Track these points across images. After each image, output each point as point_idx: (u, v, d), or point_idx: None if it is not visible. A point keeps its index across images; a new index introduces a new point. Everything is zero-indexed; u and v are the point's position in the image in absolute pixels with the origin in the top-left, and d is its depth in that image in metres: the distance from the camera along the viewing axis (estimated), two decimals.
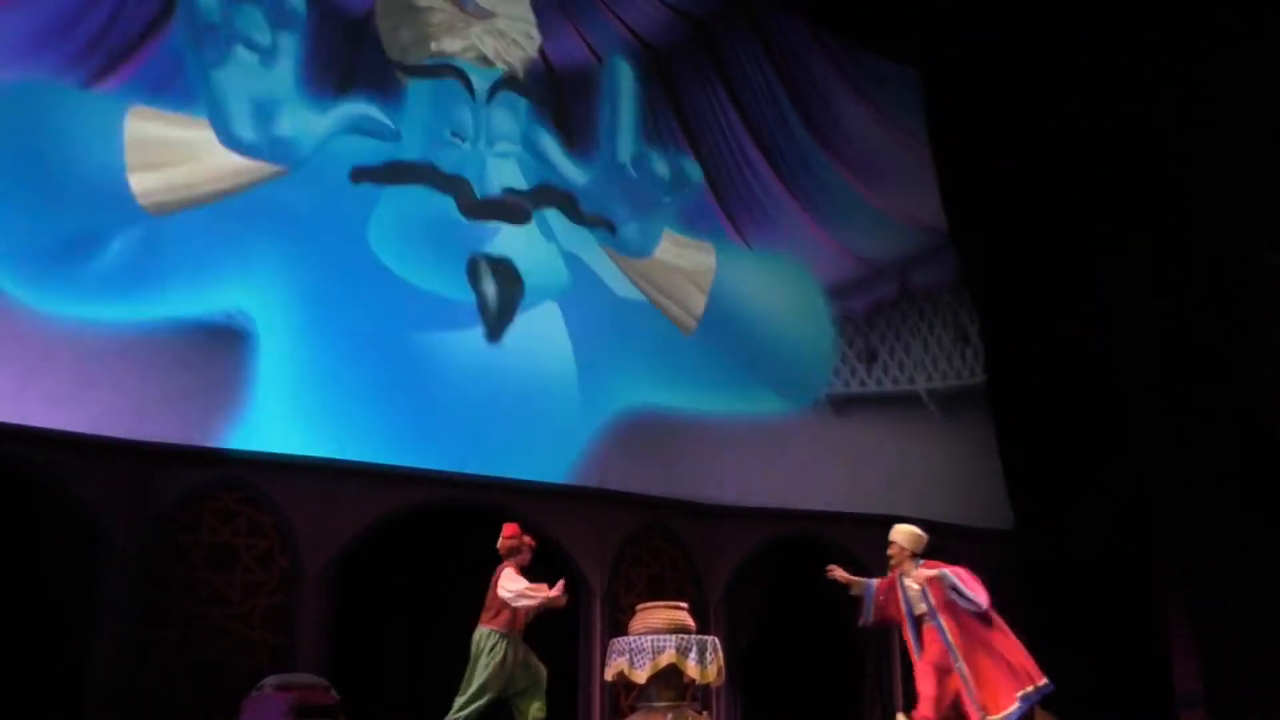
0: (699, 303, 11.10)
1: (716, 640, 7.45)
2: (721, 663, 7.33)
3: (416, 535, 9.15)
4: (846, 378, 11.99)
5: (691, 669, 7.09)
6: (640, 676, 7.09)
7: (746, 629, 10.79)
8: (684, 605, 7.55)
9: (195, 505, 8.31)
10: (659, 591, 10.14)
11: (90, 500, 7.85)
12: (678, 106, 11.85)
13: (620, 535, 10.23)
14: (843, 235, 12.46)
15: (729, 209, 11.86)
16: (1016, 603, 11.88)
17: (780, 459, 11.24)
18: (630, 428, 10.42)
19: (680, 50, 12.02)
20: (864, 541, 11.23)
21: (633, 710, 7.41)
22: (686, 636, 7.20)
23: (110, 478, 7.97)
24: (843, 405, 11.91)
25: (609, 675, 7.35)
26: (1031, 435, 12.60)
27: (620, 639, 7.41)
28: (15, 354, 7.75)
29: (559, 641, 9.68)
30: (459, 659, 6.97)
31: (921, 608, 7.27)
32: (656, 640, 7.14)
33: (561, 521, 9.84)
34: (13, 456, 7.66)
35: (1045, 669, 7.13)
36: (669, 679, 7.15)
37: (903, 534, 7.54)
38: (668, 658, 7.07)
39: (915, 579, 7.24)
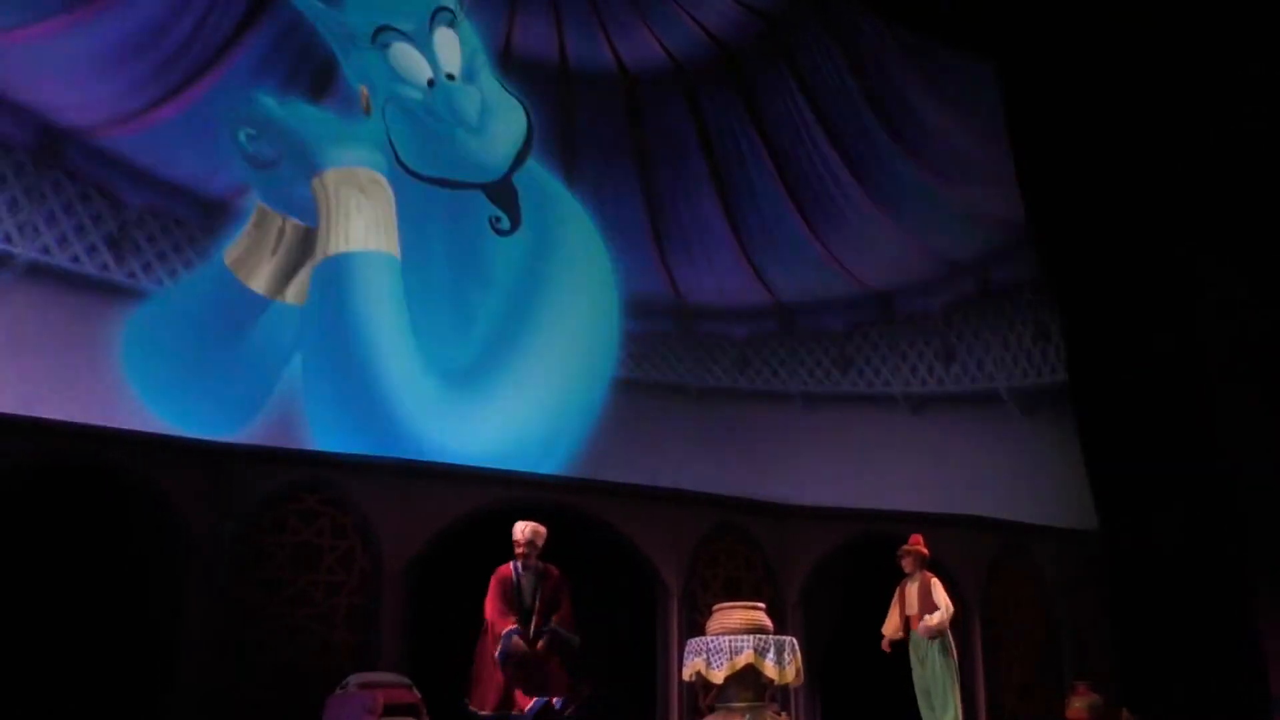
0: None
1: (795, 641, 7.40)
2: (800, 663, 7.28)
3: (495, 535, 9.22)
4: (924, 376, 11.87)
5: (770, 669, 7.05)
6: (718, 677, 7.06)
7: (824, 629, 10.71)
8: (761, 605, 7.52)
9: (279, 506, 8.46)
10: (735, 591, 10.12)
11: (178, 501, 8.04)
12: (751, 104, 11.81)
13: (696, 535, 10.22)
14: (919, 232, 12.33)
15: (802, 206, 11.81)
16: (1100, 603, 11.72)
17: (856, 459, 11.17)
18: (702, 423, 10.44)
19: (753, 48, 11.98)
20: (942, 542, 11.11)
21: (711, 711, 7.38)
22: (764, 637, 7.16)
23: (197, 479, 8.14)
24: (920, 404, 11.79)
25: (686, 675, 7.34)
26: (1115, 433, 12.35)
27: (697, 639, 7.37)
28: (105, 358, 7.98)
29: (636, 641, 9.72)
30: None
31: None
32: (734, 641, 7.11)
33: (637, 522, 9.86)
34: (106, 459, 7.85)
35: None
36: (747, 679, 7.10)
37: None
38: (745, 658, 7.03)
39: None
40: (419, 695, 7.27)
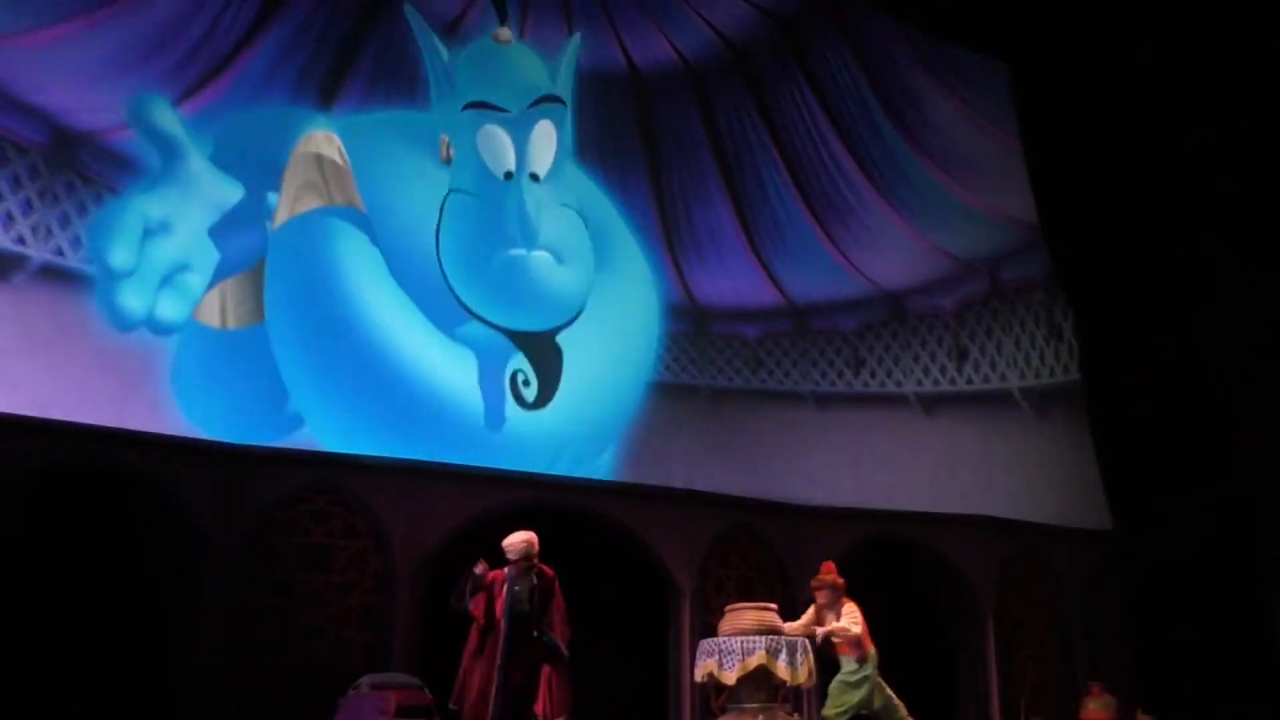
0: None
1: (807, 642, 7.23)
2: (812, 664, 7.15)
3: (507, 535, 9.21)
4: (936, 376, 11.84)
5: (782, 670, 6.93)
6: (730, 678, 6.97)
7: None
8: (772, 606, 7.38)
9: (291, 507, 8.47)
10: (748, 592, 10.10)
11: (190, 502, 8.05)
12: (762, 105, 11.80)
13: (708, 536, 10.20)
14: (931, 232, 12.30)
15: (814, 206, 11.79)
16: (1114, 604, 11.67)
17: (868, 459, 11.15)
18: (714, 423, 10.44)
19: (764, 48, 11.96)
20: (954, 542, 11.09)
21: (724, 712, 7.35)
22: (776, 638, 7.04)
23: (209, 480, 8.16)
24: (932, 404, 11.76)
25: (698, 676, 7.24)
26: (1129, 433, 12.29)
27: (709, 640, 7.26)
28: (116, 359, 8.00)
29: (649, 642, 9.71)
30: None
31: None
32: (746, 642, 7.00)
33: (649, 522, 9.85)
34: (118, 460, 7.87)
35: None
36: (759, 680, 6.99)
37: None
38: (757, 659, 6.92)
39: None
40: (431, 696, 7.26)
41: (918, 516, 11.13)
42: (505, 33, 10.24)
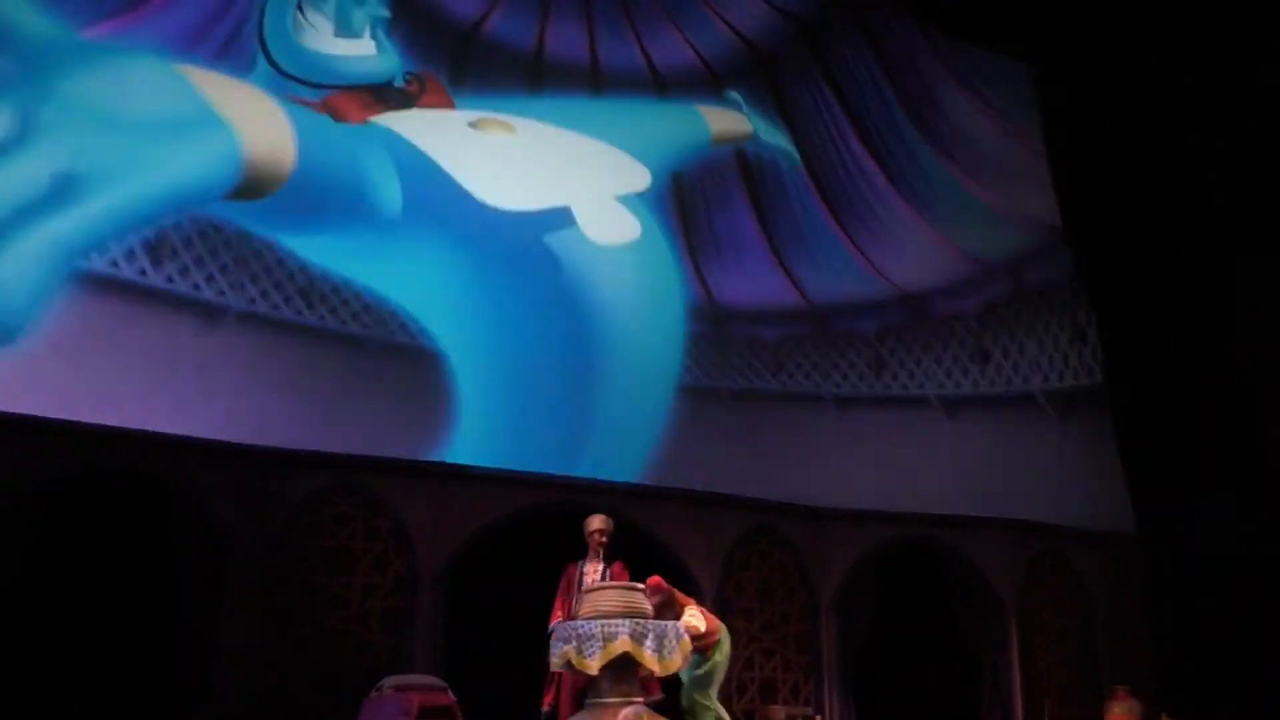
0: None
1: (680, 627, 6.56)
2: (688, 652, 6.50)
3: (530, 538, 9.24)
4: (958, 379, 11.79)
5: (649, 659, 6.18)
6: (592, 666, 6.18)
7: (858, 632, 10.66)
8: (640, 587, 6.59)
9: (314, 510, 8.51)
10: (769, 595, 10.12)
11: (214, 504, 8.10)
12: (782, 107, 11.79)
13: (730, 538, 10.20)
14: (953, 233, 12.26)
15: (836, 209, 11.77)
16: (1139, 607, 11.60)
17: (890, 461, 11.11)
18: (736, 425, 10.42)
19: (785, 50, 11.95)
20: (977, 545, 11.05)
21: (580, 707, 6.55)
22: (643, 621, 6.29)
23: (233, 482, 8.20)
24: (954, 406, 11.71)
25: (555, 665, 6.42)
26: (1152, 435, 12.23)
27: (565, 624, 6.46)
28: (142, 362, 8.05)
29: None
30: None
31: None
32: (608, 625, 6.23)
33: (671, 524, 9.85)
34: (145, 464, 7.92)
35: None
36: (625, 670, 6.23)
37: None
38: (621, 645, 6.17)
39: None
40: (454, 698, 7.28)
41: (940, 519, 11.09)
42: None
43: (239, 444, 8.26)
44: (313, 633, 8.20)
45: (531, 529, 9.26)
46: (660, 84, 11.22)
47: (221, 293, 8.67)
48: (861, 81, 12.35)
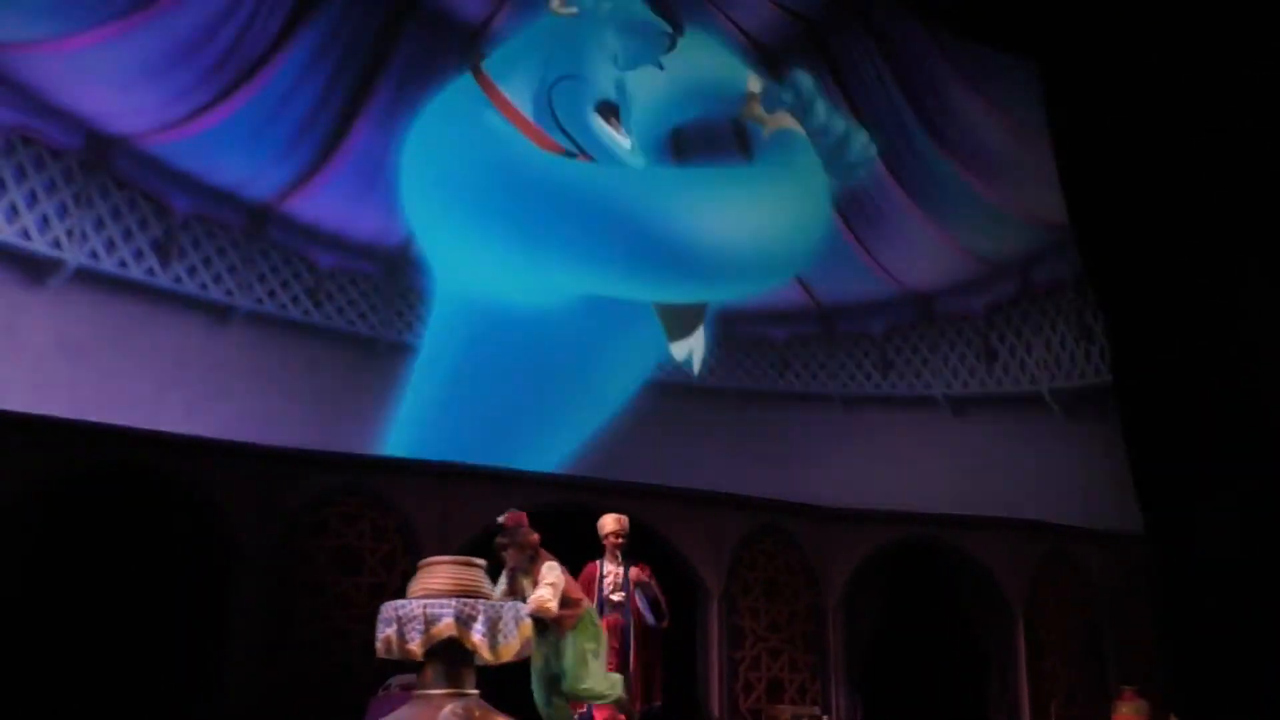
0: None
1: (521, 608, 5.90)
2: (529, 636, 5.77)
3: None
4: (965, 378, 11.78)
5: (478, 643, 5.49)
6: (415, 651, 5.54)
7: (865, 632, 10.66)
8: (481, 563, 5.87)
9: (321, 509, 8.53)
10: (776, 594, 10.11)
11: (222, 504, 8.13)
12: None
13: (736, 538, 10.20)
14: (960, 233, 12.24)
15: (843, 209, 11.76)
16: (1147, 607, 11.57)
17: (897, 461, 11.11)
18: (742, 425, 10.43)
19: (791, 49, 11.94)
20: (984, 544, 11.04)
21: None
22: (472, 602, 5.58)
23: (241, 482, 8.23)
24: (961, 406, 11.71)
25: (379, 649, 5.75)
26: (1161, 435, 12.16)
27: (390, 603, 5.77)
28: (151, 362, 8.08)
29: (677, 644, 9.71)
30: None
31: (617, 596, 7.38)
32: (431, 606, 5.54)
33: (677, 524, 9.86)
34: (151, 462, 7.95)
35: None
36: (457, 657, 5.59)
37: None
38: (445, 629, 5.47)
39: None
40: None
41: (947, 519, 11.08)
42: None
43: (246, 443, 8.29)
44: (320, 632, 8.22)
45: (538, 528, 9.27)
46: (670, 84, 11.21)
47: (230, 292, 8.71)
48: (868, 81, 12.32)
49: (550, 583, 6.32)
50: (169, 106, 8.80)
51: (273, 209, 9.13)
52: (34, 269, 8.02)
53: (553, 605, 6.24)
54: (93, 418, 7.71)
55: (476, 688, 5.63)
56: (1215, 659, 10.67)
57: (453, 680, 5.55)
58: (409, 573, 8.56)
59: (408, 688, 7.03)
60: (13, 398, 7.47)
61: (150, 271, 8.42)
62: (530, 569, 6.45)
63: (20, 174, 8.08)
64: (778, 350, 11.17)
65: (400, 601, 5.64)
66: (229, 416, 8.27)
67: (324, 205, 9.47)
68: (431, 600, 5.54)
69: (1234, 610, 11.11)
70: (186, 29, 8.89)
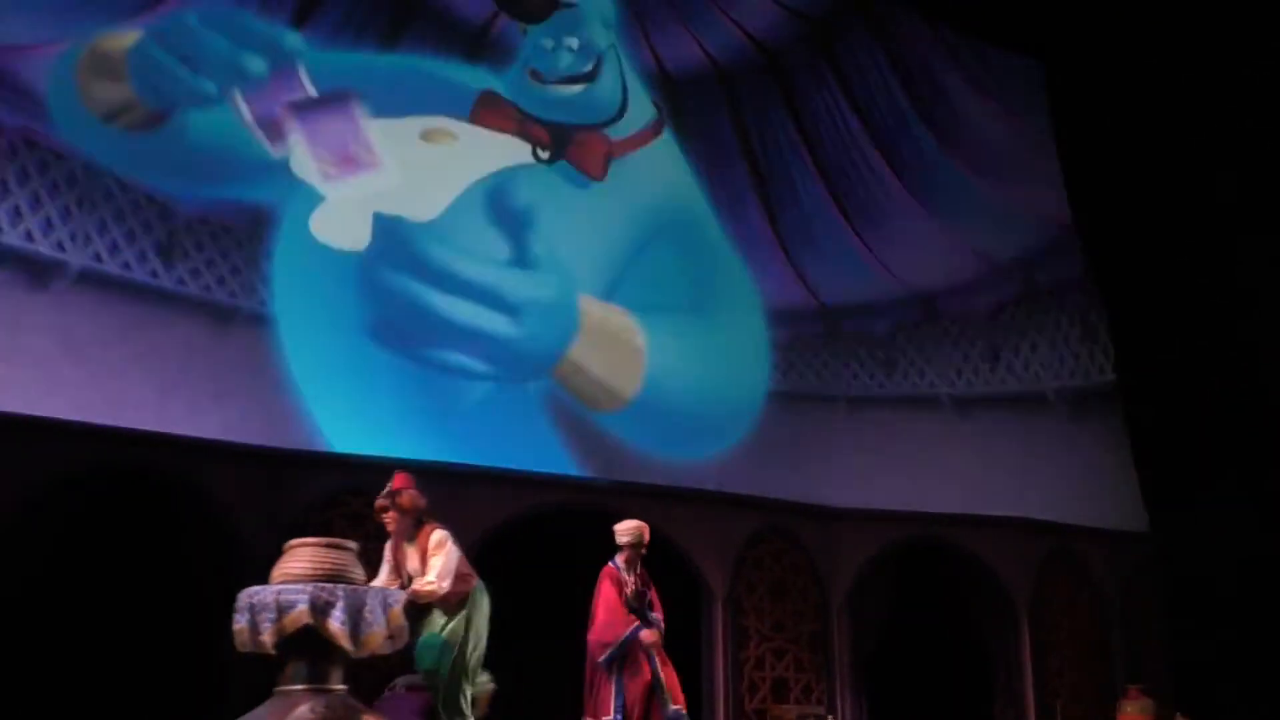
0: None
1: (392, 594, 5.32)
2: (399, 623, 5.21)
3: (541, 538, 9.25)
4: (970, 378, 11.78)
5: (336, 633, 4.88)
6: (266, 643, 4.94)
7: (871, 632, 10.65)
8: (351, 545, 5.27)
9: (326, 510, 8.52)
10: (781, 594, 10.10)
11: (229, 505, 8.12)
12: (792, 106, 11.78)
13: (740, 538, 10.19)
14: (964, 233, 12.25)
15: (845, 208, 11.76)
16: (1152, 606, 11.56)
17: (902, 461, 11.10)
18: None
19: (794, 50, 11.95)
20: (989, 544, 11.02)
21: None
22: (330, 587, 4.93)
23: (245, 483, 8.22)
24: (966, 406, 11.70)
25: (237, 643, 5.16)
26: (1165, 434, 12.18)
27: (245, 591, 5.13)
28: (155, 363, 8.09)
29: (682, 645, 9.70)
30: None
31: None
32: (285, 593, 4.91)
33: (682, 525, 9.84)
34: (155, 464, 7.95)
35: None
36: (318, 650, 4.95)
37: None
38: (299, 617, 4.86)
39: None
40: None
41: (951, 519, 11.06)
42: None
43: (251, 444, 8.29)
44: None
45: (546, 529, 9.28)
46: (670, 85, 11.22)
47: (233, 294, 8.71)
48: (871, 80, 12.33)
49: (439, 558, 5.82)
50: None
51: (274, 210, 9.12)
52: (38, 271, 8.02)
53: (439, 586, 5.75)
54: (96, 419, 7.71)
55: (347, 682, 5.07)
56: (1220, 657, 10.68)
57: (314, 676, 4.98)
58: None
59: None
60: (16, 399, 7.47)
61: (153, 273, 8.42)
62: (415, 536, 5.99)
63: (24, 176, 8.10)
64: (781, 351, 11.16)
65: (255, 588, 5.03)
66: (233, 417, 8.26)
67: None
68: (287, 586, 4.94)
69: (1239, 608, 11.13)
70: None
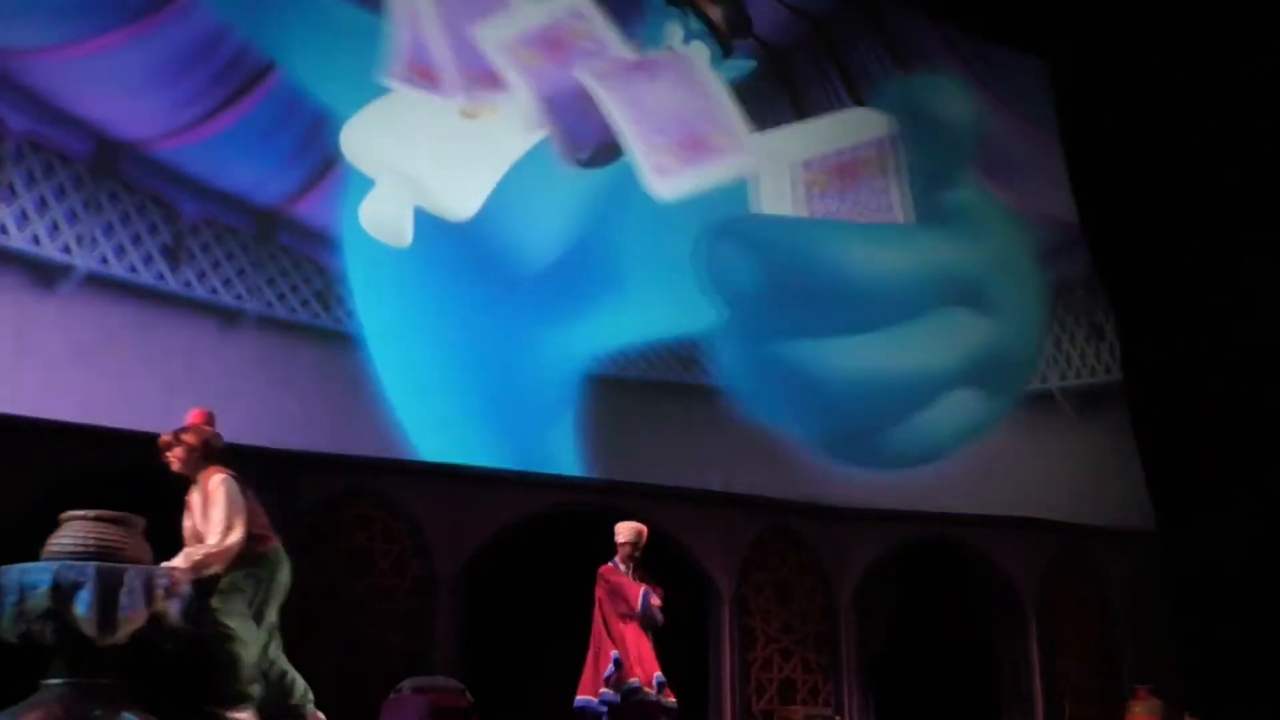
0: None
1: (160, 574, 4.66)
2: (162, 608, 4.54)
3: (548, 539, 9.25)
4: None
5: (81, 619, 4.26)
6: (9, 632, 4.32)
7: (878, 632, 10.64)
8: (137, 521, 4.81)
9: (333, 512, 8.54)
10: (788, 595, 10.09)
11: None
12: (796, 105, 11.76)
13: (747, 539, 10.19)
14: None
15: None
16: (1161, 605, 11.53)
17: None
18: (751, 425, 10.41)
19: (798, 48, 11.93)
20: (996, 544, 11.01)
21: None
22: (77, 565, 4.31)
23: (251, 485, 8.20)
24: None
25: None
26: (1172, 432, 12.12)
27: None
28: (161, 366, 8.10)
29: (689, 647, 9.70)
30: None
31: None
32: (28, 574, 4.28)
33: (687, 525, 9.85)
34: (163, 466, 7.94)
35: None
36: (73, 640, 4.33)
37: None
38: (40, 601, 4.20)
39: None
40: (471, 700, 7.30)
41: (958, 518, 11.06)
42: None
43: (257, 446, 8.28)
44: (333, 634, 8.22)
45: (550, 530, 9.28)
46: None
47: (239, 296, 8.72)
48: (875, 78, 12.31)
49: (217, 509, 5.07)
50: (178, 111, 8.81)
51: (282, 213, 9.13)
52: (44, 275, 8.03)
53: (223, 544, 4.95)
54: (103, 422, 7.72)
55: (106, 675, 4.46)
56: (1230, 656, 10.64)
57: (73, 668, 4.36)
58: (420, 576, 8.64)
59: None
60: (24, 403, 7.49)
61: (160, 276, 8.43)
62: (198, 478, 5.28)
63: (30, 180, 8.11)
64: None
65: (6, 568, 4.41)
66: (240, 419, 8.25)
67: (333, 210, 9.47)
68: (33, 565, 4.36)
69: (1249, 607, 11.07)
70: (192, 35, 8.90)
